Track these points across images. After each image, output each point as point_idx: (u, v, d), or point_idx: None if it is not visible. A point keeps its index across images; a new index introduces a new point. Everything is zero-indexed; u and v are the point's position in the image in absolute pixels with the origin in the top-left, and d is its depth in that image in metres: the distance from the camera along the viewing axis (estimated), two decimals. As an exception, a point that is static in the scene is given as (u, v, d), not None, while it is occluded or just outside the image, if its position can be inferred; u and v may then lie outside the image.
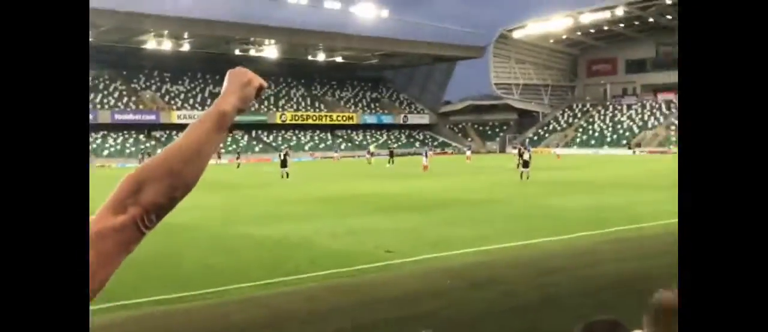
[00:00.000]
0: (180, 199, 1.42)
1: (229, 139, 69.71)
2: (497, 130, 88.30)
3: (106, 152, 62.15)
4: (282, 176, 36.31)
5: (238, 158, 55.73)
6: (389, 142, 76.57)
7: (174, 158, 1.41)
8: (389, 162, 53.33)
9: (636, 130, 77.14)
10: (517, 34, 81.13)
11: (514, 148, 63.66)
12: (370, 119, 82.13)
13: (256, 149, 69.40)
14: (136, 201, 1.35)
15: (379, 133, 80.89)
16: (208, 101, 73.92)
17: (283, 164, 37.99)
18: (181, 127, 68.69)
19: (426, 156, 47.84)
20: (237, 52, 72.84)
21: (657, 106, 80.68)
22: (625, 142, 74.28)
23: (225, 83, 1.52)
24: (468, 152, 62.27)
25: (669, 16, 75.72)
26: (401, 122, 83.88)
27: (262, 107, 75.87)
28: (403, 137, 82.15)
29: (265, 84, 1.60)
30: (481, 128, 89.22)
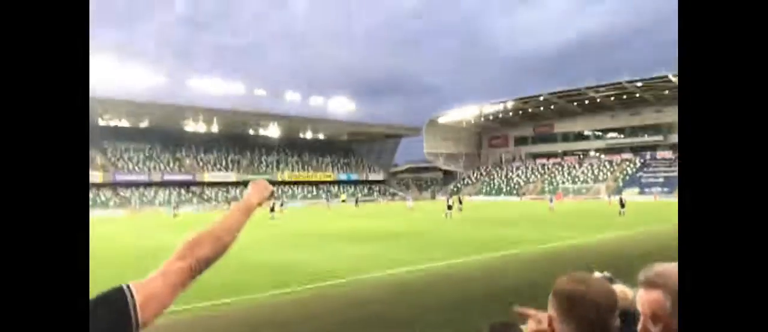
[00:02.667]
0: (220, 256, 1.53)
1: (240, 190, 68.67)
2: (429, 183, 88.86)
3: (157, 202, 60.79)
4: (271, 218, 35.62)
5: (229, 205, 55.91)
6: (355, 193, 76.47)
7: (220, 230, 1.55)
8: (356, 205, 53.27)
9: (521, 184, 78.40)
10: (441, 120, 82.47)
11: (444, 195, 63.78)
12: (343, 177, 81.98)
13: (263, 198, 68.42)
14: (192, 255, 1.45)
15: (349, 187, 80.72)
16: (230, 165, 73.01)
17: (272, 209, 37.97)
18: (210, 184, 67.86)
19: (410, 200, 46.78)
20: (250, 131, 72.53)
21: (536, 167, 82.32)
22: (514, 191, 75.33)
23: (250, 187, 1.73)
24: (409, 202, 54.94)
25: (541, 108, 78.03)
26: (364, 178, 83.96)
27: (267, 169, 75.32)
28: (366, 188, 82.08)
29: (274, 190, 1.86)
30: (418, 182, 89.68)
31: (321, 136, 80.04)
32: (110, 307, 1.24)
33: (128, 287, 1.30)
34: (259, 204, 1.72)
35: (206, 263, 1.47)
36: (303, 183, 76.24)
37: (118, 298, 1.26)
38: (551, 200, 44.52)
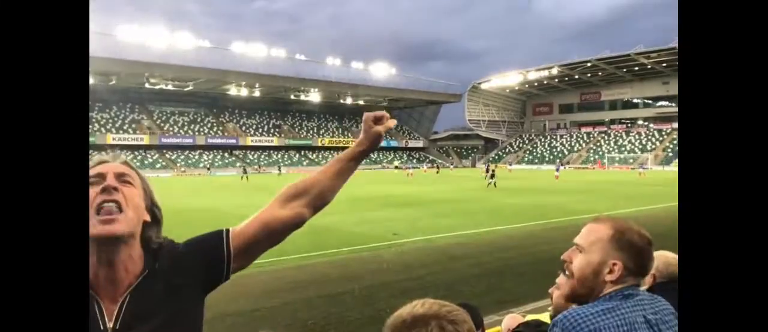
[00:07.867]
0: (319, 208, 1.48)
1: (281, 154, 69.87)
2: (470, 151, 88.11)
3: (201, 165, 62.48)
4: None
5: (279, 170, 58.33)
6: (394, 159, 76.68)
7: (320, 181, 1.48)
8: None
9: (566, 153, 76.77)
10: (484, 86, 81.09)
11: (484, 164, 63.32)
12: (383, 143, 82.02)
13: (304, 163, 69.52)
14: (291, 205, 1.40)
15: (388, 153, 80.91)
16: (272, 130, 74.16)
17: None
18: (252, 148, 69.18)
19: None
20: (291, 97, 73.14)
21: (580, 136, 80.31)
22: (558, 161, 73.90)
23: (363, 131, 1.57)
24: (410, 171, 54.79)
25: (588, 75, 75.53)
26: (404, 145, 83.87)
27: (308, 134, 76.10)
28: (405, 156, 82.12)
29: (387, 116, 1.62)
30: (458, 150, 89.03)
31: (361, 101, 80.00)
32: (207, 248, 1.28)
33: (227, 232, 1.31)
34: (376, 139, 1.54)
35: (307, 213, 1.41)
36: (342, 149, 76.57)
37: (216, 242, 1.29)
38: (557, 169, 43.47)
